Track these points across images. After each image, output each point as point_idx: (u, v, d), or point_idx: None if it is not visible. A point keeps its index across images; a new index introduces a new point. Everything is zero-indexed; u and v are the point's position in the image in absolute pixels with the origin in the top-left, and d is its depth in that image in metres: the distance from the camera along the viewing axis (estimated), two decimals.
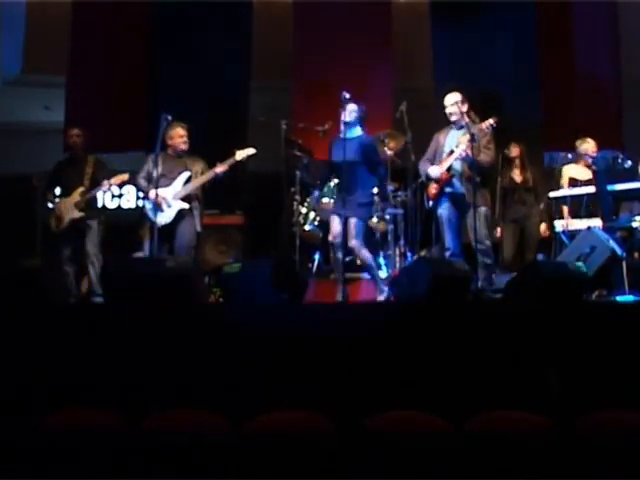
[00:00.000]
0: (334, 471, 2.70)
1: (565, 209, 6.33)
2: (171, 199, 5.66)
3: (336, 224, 5.42)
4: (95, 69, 7.94)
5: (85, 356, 3.56)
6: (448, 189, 5.44)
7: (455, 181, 5.42)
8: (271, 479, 2.68)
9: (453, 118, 5.50)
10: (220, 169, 5.76)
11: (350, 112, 5.43)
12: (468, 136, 5.27)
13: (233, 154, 5.81)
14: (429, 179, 5.53)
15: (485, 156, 5.39)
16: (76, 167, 6.09)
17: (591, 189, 6.14)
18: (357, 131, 5.48)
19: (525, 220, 6.67)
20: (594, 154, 6.40)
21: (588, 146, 6.42)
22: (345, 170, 5.28)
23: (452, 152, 5.41)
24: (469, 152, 5.24)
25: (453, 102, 5.49)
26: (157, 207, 5.59)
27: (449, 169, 5.41)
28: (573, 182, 6.33)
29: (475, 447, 2.76)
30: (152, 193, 5.61)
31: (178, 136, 5.79)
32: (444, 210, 5.46)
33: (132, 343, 3.59)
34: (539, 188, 6.73)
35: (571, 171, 6.46)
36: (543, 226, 6.72)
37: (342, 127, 5.43)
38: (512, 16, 7.83)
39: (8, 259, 5.25)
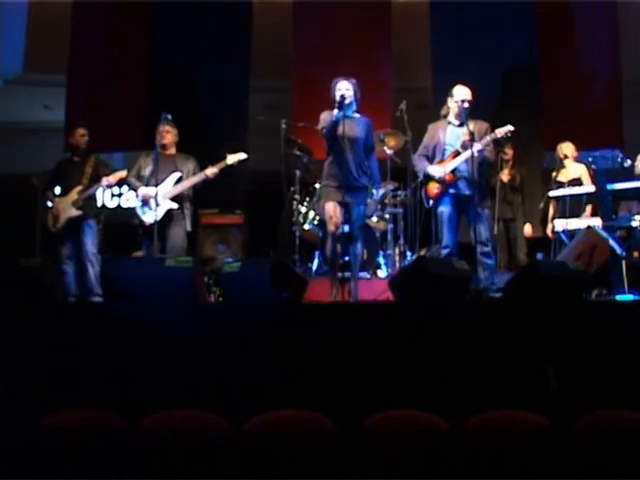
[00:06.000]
0: (334, 471, 2.70)
1: (551, 209, 6.47)
2: (160, 198, 5.58)
3: (338, 213, 5.11)
4: (95, 68, 7.97)
5: (85, 356, 3.56)
6: (452, 190, 5.32)
7: (460, 183, 5.29)
8: (271, 479, 2.68)
9: (464, 112, 5.28)
10: (210, 172, 5.75)
11: (345, 90, 5.15)
12: (467, 134, 5.22)
13: (224, 158, 5.81)
14: (429, 178, 5.38)
15: (487, 153, 5.34)
16: (77, 167, 6.07)
17: (589, 188, 6.19)
18: (355, 111, 5.24)
19: (510, 221, 6.73)
20: (569, 157, 6.59)
21: (562, 147, 6.63)
22: (349, 147, 5.08)
23: (457, 153, 5.29)
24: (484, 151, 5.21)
25: (471, 95, 5.33)
26: (145, 204, 5.64)
27: (454, 171, 5.28)
28: (559, 184, 6.43)
29: (474, 447, 2.76)
30: (141, 190, 5.67)
31: (158, 132, 5.77)
32: (445, 208, 5.34)
33: (132, 343, 3.59)
34: (526, 189, 6.80)
35: (557, 175, 6.57)
36: (527, 226, 6.77)
37: (339, 111, 5.10)
38: (512, 16, 7.85)
39: (8, 259, 5.24)
